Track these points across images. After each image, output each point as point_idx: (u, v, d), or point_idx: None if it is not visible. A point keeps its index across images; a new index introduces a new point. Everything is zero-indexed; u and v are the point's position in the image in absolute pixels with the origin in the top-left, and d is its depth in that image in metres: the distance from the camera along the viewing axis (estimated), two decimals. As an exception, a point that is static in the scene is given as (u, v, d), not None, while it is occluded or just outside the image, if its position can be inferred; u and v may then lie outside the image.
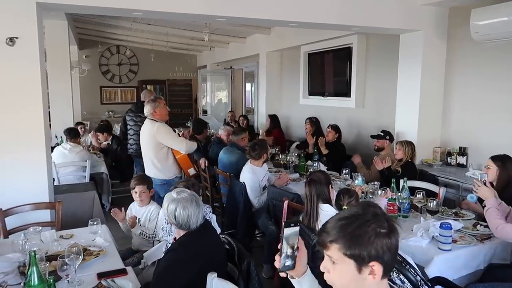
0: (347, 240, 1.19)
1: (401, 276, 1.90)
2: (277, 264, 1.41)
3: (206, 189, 4.85)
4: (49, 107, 5.06)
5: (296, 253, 1.41)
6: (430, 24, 4.52)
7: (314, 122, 5.83)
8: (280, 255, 1.39)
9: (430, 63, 4.62)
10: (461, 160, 4.47)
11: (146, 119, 4.06)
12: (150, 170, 3.98)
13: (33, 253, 1.78)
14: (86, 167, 5.02)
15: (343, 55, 6.15)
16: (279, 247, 1.39)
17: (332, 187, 2.90)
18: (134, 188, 3.17)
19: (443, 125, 4.81)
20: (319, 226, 2.66)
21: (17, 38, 3.00)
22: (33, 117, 3.16)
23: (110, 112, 11.82)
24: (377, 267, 1.19)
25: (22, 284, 1.97)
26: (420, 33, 4.52)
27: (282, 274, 1.45)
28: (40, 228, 2.58)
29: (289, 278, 1.48)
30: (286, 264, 1.40)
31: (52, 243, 2.56)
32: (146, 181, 3.25)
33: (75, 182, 4.84)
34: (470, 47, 4.37)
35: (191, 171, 4.05)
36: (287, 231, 1.36)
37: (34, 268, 1.78)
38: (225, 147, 4.81)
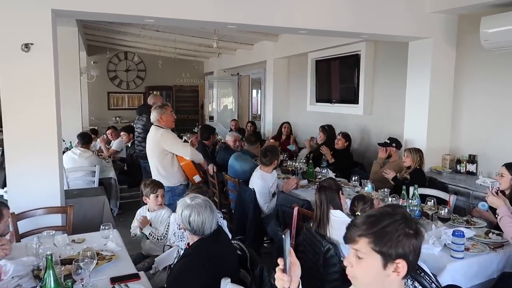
0: (377, 235, 1.23)
1: (416, 284, 1.89)
2: (286, 284, 1.24)
3: (214, 195, 4.86)
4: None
5: (289, 266, 1.25)
6: (439, 32, 4.53)
7: (326, 130, 5.83)
8: (286, 271, 1.24)
9: (439, 70, 4.63)
10: (471, 167, 4.45)
11: (152, 125, 4.04)
12: (155, 176, 3.95)
13: (49, 257, 1.79)
14: (95, 172, 5.05)
15: (351, 62, 6.17)
16: (279, 261, 1.25)
17: (342, 194, 2.90)
18: (155, 192, 3.18)
19: (452, 132, 4.80)
20: (330, 232, 2.66)
21: (32, 44, 3.05)
22: (47, 122, 3.19)
23: (117, 118, 11.90)
24: (402, 265, 1.23)
25: (38, 287, 1.98)
26: (430, 40, 4.53)
27: None
28: (54, 232, 2.59)
29: None
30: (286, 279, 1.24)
31: (65, 247, 2.57)
32: (162, 185, 3.30)
33: (85, 187, 4.87)
34: (479, 55, 4.37)
35: (197, 178, 4.01)
36: (288, 242, 1.23)
37: (51, 271, 1.79)
38: (236, 153, 4.80)
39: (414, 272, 1.89)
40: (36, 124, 3.15)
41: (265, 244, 4.39)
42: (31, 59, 3.06)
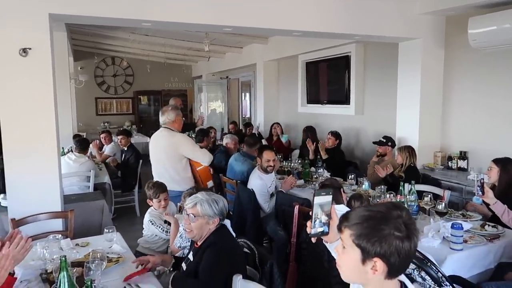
0: (359, 229, 1.23)
1: (422, 273, 1.95)
2: (308, 229, 1.49)
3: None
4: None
5: (329, 220, 1.48)
6: (428, 32, 4.66)
7: (305, 131, 5.94)
8: (311, 221, 1.47)
9: (429, 69, 4.75)
10: (462, 164, 4.57)
11: (161, 128, 3.92)
12: (165, 180, 3.63)
13: (63, 258, 1.80)
14: (90, 177, 5.02)
15: (342, 63, 6.27)
16: (310, 213, 1.47)
17: (344, 192, 2.96)
18: (158, 197, 3.16)
19: (442, 130, 4.93)
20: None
21: (30, 48, 3.03)
22: (46, 127, 3.17)
23: (106, 123, 11.81)
24: (379, 264, 1.21)
25: (51, 289, 1.99)
26: (419, 41, 4.66)
27: (313, 239, 1.55)
28: (60, 236, 2.59)
29: (324, 243, 1.59)
30: (319, 230, 1.47)
31: (70, 250, 2.57)
32: (165, 187, 3.27)
33: (79, 192, 4.83)
34: (467, 54, 4.50)
35: (210, 184, 3.91)
36: (318, 199, 1.44)
37: (65, 272, 1.80)
38: (236, 154, 4.85)
39: (420, 262, 1.95)
40: (36, 129, 3.13)
41: (264, 244, 4.42)
42: (29, 64, 3.05)
